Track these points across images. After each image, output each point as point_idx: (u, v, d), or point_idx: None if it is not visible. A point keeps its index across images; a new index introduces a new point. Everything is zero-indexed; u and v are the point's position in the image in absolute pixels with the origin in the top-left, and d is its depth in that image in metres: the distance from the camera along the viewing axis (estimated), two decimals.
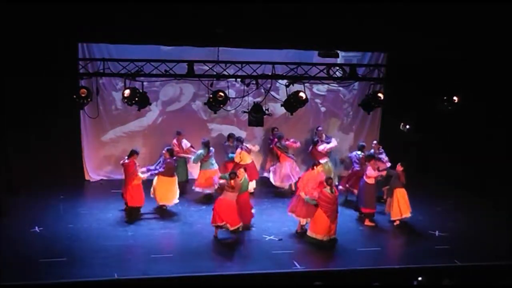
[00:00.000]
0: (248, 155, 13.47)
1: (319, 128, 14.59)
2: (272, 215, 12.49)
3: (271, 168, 14.20)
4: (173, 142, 13.73)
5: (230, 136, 13.88)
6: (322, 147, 13.80)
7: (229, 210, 10.89)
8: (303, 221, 11.36)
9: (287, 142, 13.95)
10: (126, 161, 11.94)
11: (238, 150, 13.33)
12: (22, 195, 12.82)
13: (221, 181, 11.55)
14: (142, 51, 12.70)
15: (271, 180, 14.07)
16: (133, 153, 12.02)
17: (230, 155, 13.51)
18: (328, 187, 10.84)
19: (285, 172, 13.78)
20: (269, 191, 14.08)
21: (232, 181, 10.96)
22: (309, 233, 11.02)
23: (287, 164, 13.83)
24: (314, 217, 10.91)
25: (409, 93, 13.67)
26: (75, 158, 14.42)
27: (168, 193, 12.40)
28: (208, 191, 13.19)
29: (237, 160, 13.18)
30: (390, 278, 9.75)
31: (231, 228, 10.93)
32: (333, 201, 10.81)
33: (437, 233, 11.61)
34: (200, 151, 13.21)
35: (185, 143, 13.84)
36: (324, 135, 14.42)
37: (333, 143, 13.94)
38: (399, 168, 11.89)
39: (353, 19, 12.11)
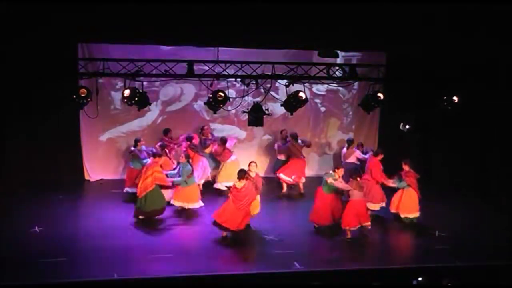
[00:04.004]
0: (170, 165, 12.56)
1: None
2: (272, 215, 12.48)
3: None
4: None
5: (138, 140, 13.12)
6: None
7: (363, 209, 11.01)
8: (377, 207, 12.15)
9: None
10: (241, 185, 10.57)
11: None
12: (22, 195, 12.81)
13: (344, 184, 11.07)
14: (142, 51, 12.72)
15: None
16: (244, 174, 10.76)
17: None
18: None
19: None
20: (270, 190, 14.07)
21: (360, 179, 11.03)
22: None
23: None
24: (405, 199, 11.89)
25: (409, 93, 13.68)
26: (75, 158, 14.42)
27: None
28: (192, 206, 12.15)
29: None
30: (390, 278, 9.75)
31: (369, 226, 11.04)
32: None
33: (437, 233, 11.60)
34: (188, 167, 11.90)
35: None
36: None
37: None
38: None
39: (353, 19, 12.13)
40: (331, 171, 11.53)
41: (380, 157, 12.48)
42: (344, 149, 14.27)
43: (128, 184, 12.91)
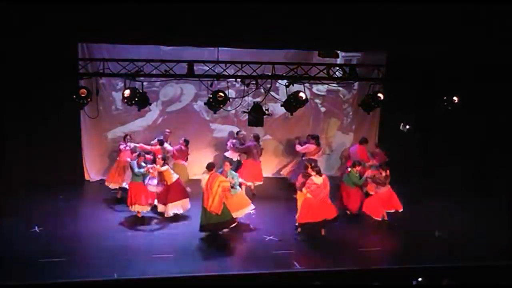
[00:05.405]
0: (171, 174, 12.16)
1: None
2: (272, 215, 12.48)
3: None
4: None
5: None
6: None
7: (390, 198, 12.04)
8: None
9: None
10: (320, 180, 11.19)
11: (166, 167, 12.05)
12: (22, 195, 12.81)
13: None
14: (142, 51, 12.72)
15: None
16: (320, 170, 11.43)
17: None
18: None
19: None
20: (270, 191, 14.08)
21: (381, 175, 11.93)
22: None
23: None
24: None
25: (409, 93, 13.68)
26: (75, 158, 14.43)
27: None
28: (249, 209, 11.93)
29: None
30: (390, 278, 9.75)
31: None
32: None
33: (437, 233, 11.61)
34: (235, 173, 11.93)
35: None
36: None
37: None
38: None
39: (353, 19, 12.12)
40: (350, 169, 12.36)
41: (365, 145, 13.97)
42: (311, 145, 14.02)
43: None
